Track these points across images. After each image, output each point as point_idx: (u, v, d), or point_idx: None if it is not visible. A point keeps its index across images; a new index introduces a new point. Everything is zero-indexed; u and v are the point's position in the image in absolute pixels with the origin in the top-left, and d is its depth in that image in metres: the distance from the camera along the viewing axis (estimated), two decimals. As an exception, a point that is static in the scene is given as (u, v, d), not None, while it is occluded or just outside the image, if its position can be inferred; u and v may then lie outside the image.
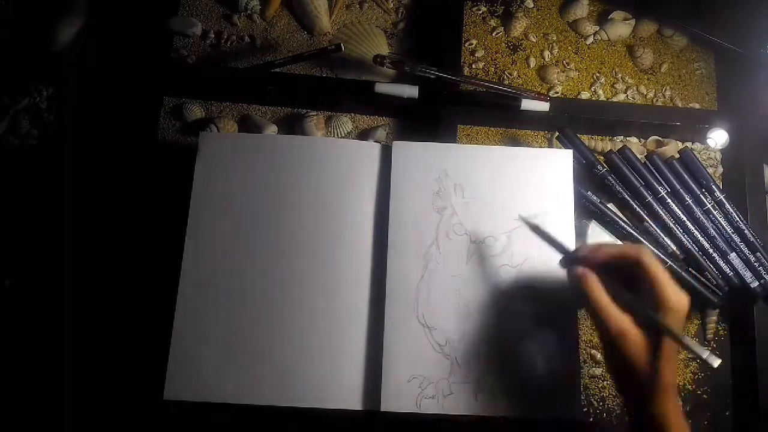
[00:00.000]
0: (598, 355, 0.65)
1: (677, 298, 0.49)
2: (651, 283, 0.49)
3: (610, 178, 0.66)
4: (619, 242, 0.65)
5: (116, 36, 0.70)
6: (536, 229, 0.59)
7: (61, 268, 0.63)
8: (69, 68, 0.69)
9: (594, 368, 0.65)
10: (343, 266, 0.60)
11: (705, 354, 0.47)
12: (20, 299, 0.63)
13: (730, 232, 0.66)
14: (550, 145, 0.70)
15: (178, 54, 0.71)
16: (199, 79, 0.69)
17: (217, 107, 0.70)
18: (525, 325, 0.58)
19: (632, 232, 0.65)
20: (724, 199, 0.66)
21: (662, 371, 0.48)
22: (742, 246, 0.65)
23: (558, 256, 0.56)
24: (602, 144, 0.70)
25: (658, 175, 0.67)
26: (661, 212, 0.66)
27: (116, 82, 0.68)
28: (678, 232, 0.66)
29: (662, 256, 0.64)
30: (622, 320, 0.48)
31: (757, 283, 0.65)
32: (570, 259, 0.54)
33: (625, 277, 0.50)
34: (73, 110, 0.68)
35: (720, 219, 0.66)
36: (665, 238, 0.66)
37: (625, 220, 0.66)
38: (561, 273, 0.60)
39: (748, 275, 0.65)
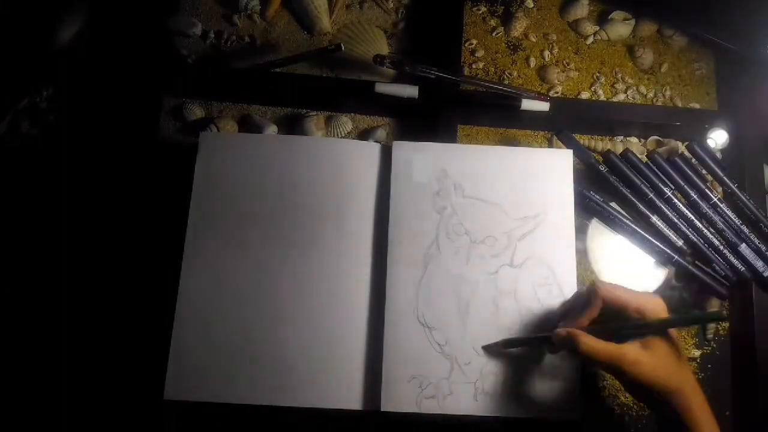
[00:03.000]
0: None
1: (652, 301, 0.52)
2: (623, 306, 0.52)
3: (612, 177, 0.66)
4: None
5: (116, 36, 0.70)
6: (511, 343, 0.57)
7: (61, 268, 0.63)
8: (69, 68, 0.69)
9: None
10: (343, 266, 0.60)
11: (707, 312, 0.48)
12: (20, 299, 0.63)
13: (739, 223, 0.66)
14: (550, 145, 0.70)
15: (178, 54, 0.71)
16: (199, 79, 0.69)
17: (217, 107, 0.70)
18: (525, 326, 0.58)
19: (636, 229, 0.65)
20: (736, 189, 0.66)
21: (678, 371, 0.50)
22: (752, 236, 0.65)
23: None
24: (602, 144, 0.70)
25: (661, 174, 0.67)
26: (665, 208, 0.66)
27: (116, 82, 0.68)
28: (683, 227, 0.66)
29: (669, 251, 0.64)
30: (613, 348, 0.51)
31: None
32: (552, 340, 0.55)
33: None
34: (73, 110, 0.68)
35: (728, 211, 0.66)
36: (671, 234, 0.66)
37: (629, 217, 0.66)
38: (561, 273, 0.60)
39: (759, 264, 0.65)
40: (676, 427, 0.51)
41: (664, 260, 0.65)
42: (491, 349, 0.58)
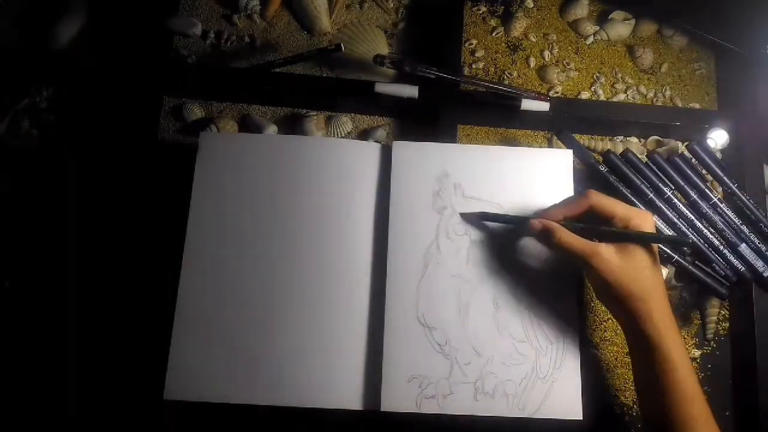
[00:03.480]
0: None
1: (640, 215, 0.53)
2: (610, 214, 0.53)
3: (612, 177, 0.66)
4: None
5: (116, 36, 0.70)
6: (486, 217, 0.59)
7: (62, 268, 0.63)
8: (69, 68, 0.69)
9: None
10: (343, 266, 0.60)
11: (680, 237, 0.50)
12: (21, 299, 0.63)
13: (739, 223, 0.66)
14: (550, 145, 0.70)
15: (178, 54, 0.71)
16: (199, 79, 0.69)
17: (217, 107, 0.70)
18: (525, 326, 0.59)
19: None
20: (736, 189, 0.67)
21: (645, 279, 0.52)
22: (752, 236, 0.65)
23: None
24: (602, 144, 0.70)
25: (661, 174, 0.67)
26: (665, 208, 0.66)
27: (116, 82, 0.68)
28: (683, 227, 0.66)
29: (669, 251, 0.64)
30: (590, 244, 0.52)
31: None
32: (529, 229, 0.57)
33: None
34: (73, 110, 0.68)
35: (728, 211, 0.66)
36: (671, 234, 0.66)
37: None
38: (561, 273, 0.60)
39: (760, 264, 0.65)
40: (639, 339, 0.52)
41: (664, 260, 0.65)
42: (468, 218, 0.59)
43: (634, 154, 0.67)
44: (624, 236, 0.53)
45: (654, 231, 0.54)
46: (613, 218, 0.54)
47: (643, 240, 0.53)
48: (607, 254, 0.52)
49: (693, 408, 0.50)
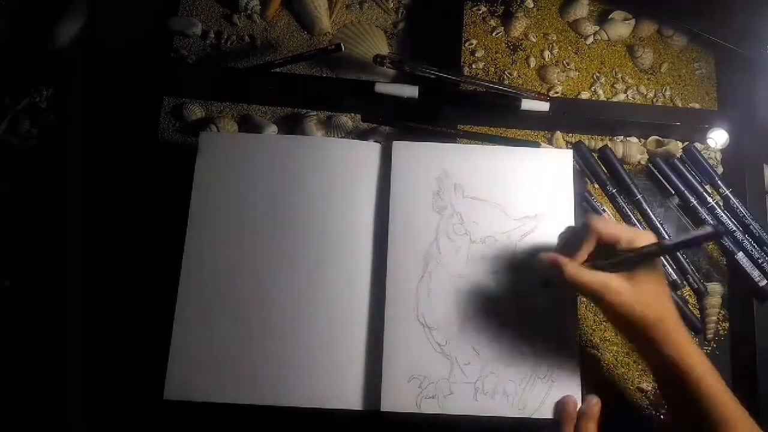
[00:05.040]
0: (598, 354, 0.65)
1: (643, 234, 0.53)
2: (615, 239, 0.53)
3: (620, 198, 0.67)
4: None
5: (116, 36, 0.70)
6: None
7: (62, 268, 0.63)
8: (69, 68, 0.69)
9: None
10: (344, 266, 0.60)
11: (698, 231, 0.49)
12: (21, 299, 0.63)
13: (733, 229, 0.66)
14: (550, 145, 0.70)
15: (178, 54, 0.71)
16: (199, 79, 0.69)
17: (217, 107, 0.70)
18: (525, 326, 0.58)
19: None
20: (730, 195, 0.67)
21: (657, 303, 0.51)
22: (745, 243, 0.65)
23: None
24: (602, 144, 0.70)
25: (663, 180, 0.67)
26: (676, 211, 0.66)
27: (116, 82, 0.68)
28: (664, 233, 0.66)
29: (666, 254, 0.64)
30: (596, 277, 0.52)
31: (765, 282, 0.65)
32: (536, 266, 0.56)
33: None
34: (73, 110, 0.68)
35: (725, 216, 0.66)
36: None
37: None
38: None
39: (756, 274, 0.65)
40: (659, 361, 0.52)
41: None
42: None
43: (612, 152, 0.68)
44: (635, 256, 0.52)
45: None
46: (618, 242, 0.53)
47: (656, 253, 0.52)
48: (619, 287, 0.51)
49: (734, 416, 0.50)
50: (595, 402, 0.56)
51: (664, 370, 0.52)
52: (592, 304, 0.66)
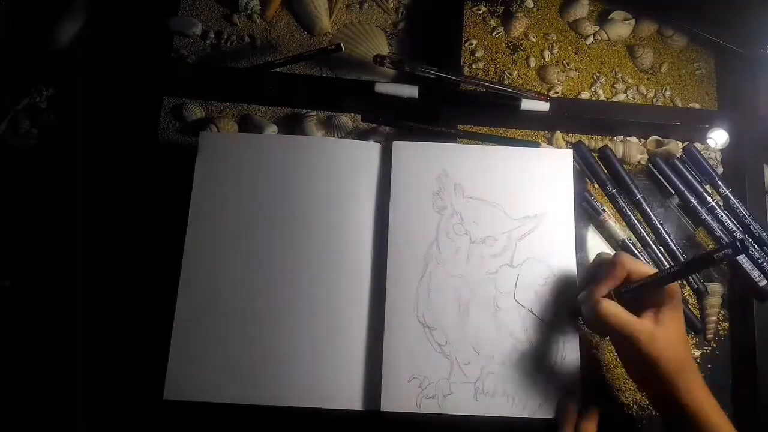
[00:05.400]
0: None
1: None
2: (642, 276, 0.53)
3: (620, 198, 0.67)
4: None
5: (116, 36, 0.70)
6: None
7: (62, 268, 0.63)
8: (69, 68, 0.69)
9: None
10: (343, 266, 0.60)
11: (717, 253, 0.49)
12: (20, 299, 0.63)
13: (733, 229, 0.66)
14: (550, 145, 0.70)
15: (178, 54, 0.71)
16: (199, 79, 0.69)
17: (217, 107, 0.70)
18: (525, 326, 0.59)
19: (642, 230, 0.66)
20: (730, 195, 0.67)
21: (680, 349, 0.51)
22: (745, 243, 0.65)
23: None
24: (602, 144, 0.70)
25: (662, 179, 0.67)
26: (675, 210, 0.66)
27: (116, 82, 0.68)
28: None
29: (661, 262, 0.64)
30: (631, 320, 0.52)
31: (765, 282, 0.65)
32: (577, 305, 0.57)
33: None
34: (73, 110, 0.68)
35: (725, 217, 0.66)
36: (672, 241, 0.66)
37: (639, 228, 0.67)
38: (561, 273, 0.60)
39: (756, 274, 0.65)
40: (670, 406, 0.52)
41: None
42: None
43: (613, 153, 0.68)
44: (657, 281, 0.52)
45: (678, 287, 0.53)
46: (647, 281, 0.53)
47: (676, 277, 0.52)
48: (650, 331, 0.51)
49: None
50: (595, 410, 0.56)
51: (676, 420, 0.53)
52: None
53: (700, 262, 0.51)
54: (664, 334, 0.51)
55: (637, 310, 0.53)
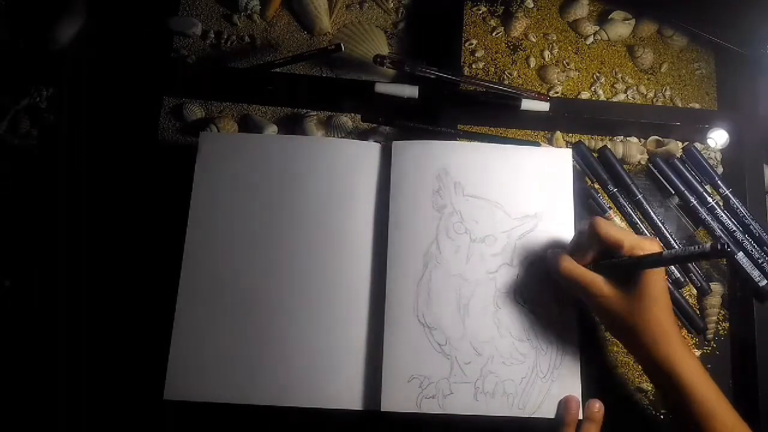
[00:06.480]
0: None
1: (647, 242, 0.53)
2: (619, 244, 0.53)
3: (621, 198, 0.67)
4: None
5: (116, 36, 0.70)
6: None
7: (61, 269, 0.63)
8: (69, 68, 0.69)
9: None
10: (343, 266, 0.60)
11: (700, 247, 0.48)
12: (20, 299, 0.63)
13: (733, 229, 0.66)
14: (550, 145, 0.70)
15: (178, 54, 0.71)
16: (199, 79, 0.69)
17: (217, 107, 0.70)
18: (525, 325, 0.58)
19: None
20: (730, 195, 0.67)
21: (649, 310, 0.51)
22: (745, 243, 0.65)
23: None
24: (602, 144, 0.70)
25: (663, 180, 0.67)
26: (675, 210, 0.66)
27: (116, 82, 0.68)
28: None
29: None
30: (591, 274, 0.54)
31: (765, 282, 0.65)
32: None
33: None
34: (73, 110, 0.68)
35: (724, 216, 0.66)
36: (675, 242, 0.66)
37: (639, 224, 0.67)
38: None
39: (756, 274, 0.65)
40: (656, 370, 0.52)
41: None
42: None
43: (612, 153, 0.68)
44: (637, 264, 0.52)
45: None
46: (621, 248, 0.53)
47: (658, 264, 0.52)
48: (609, 290, 0.53)
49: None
50: (597, 407, 0.56)
51: (655, 376, 0.53)
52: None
53: (680, 258, 0.51)
54: (630, 293, 0.52)
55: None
